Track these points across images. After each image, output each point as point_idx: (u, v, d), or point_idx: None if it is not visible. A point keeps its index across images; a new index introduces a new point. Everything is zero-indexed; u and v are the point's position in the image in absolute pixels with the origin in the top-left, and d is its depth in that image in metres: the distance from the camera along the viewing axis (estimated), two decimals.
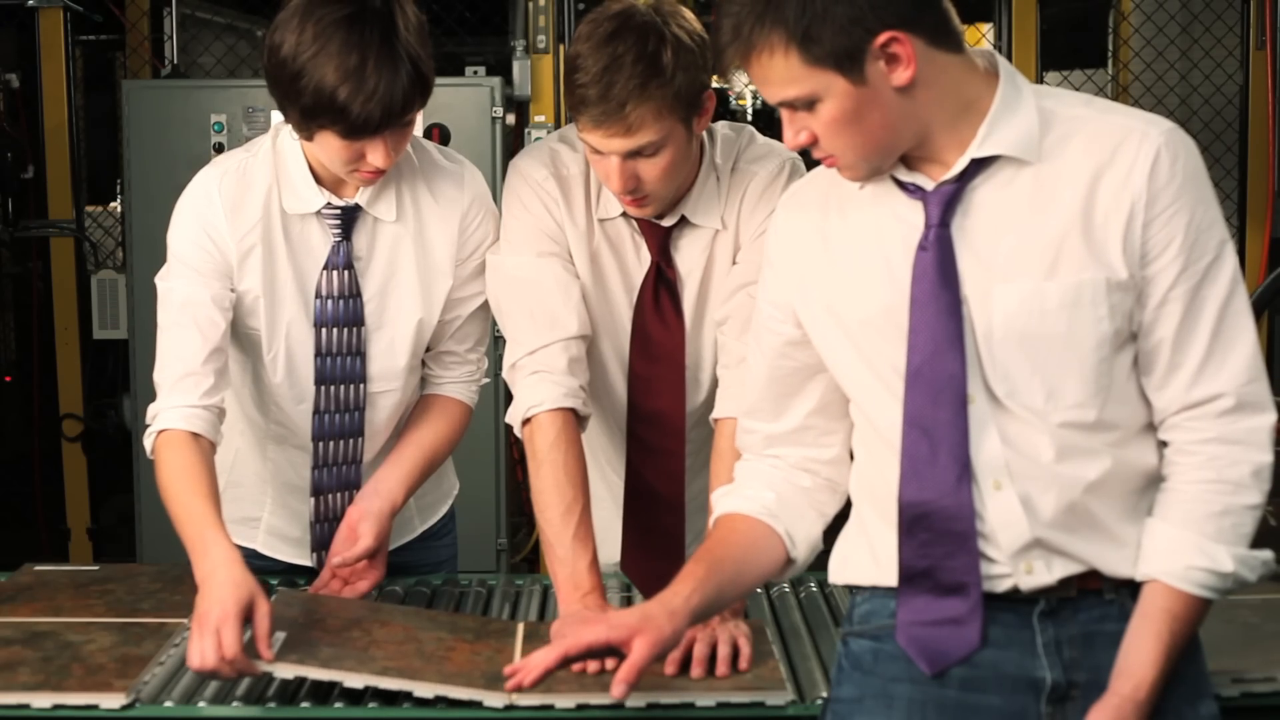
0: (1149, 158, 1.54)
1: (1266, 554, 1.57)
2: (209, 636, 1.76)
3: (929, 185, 1.60)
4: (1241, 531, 1.56)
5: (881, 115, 1.55)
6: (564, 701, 1.79)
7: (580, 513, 2.05)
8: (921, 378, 1.59)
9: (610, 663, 1.84)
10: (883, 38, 1.51)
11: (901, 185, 1.62)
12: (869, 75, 1.52)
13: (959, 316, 1.57)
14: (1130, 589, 1.59)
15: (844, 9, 1.50)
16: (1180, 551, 1.55)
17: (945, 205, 1.59)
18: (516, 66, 4.34)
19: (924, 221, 1.60)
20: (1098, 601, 1.60)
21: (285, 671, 1.80)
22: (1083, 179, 1.56)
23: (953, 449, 1.57)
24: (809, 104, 1.55)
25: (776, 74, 1.55)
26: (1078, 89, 5.02)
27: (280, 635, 1.85)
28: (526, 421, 2.11)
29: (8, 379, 5.36)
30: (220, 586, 1.82)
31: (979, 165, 1.58)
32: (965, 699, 1.61)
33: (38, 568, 2.33)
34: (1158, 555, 1.57)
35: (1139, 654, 1.55)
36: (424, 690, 1.79)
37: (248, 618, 1.80)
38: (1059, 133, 1.58)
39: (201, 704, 1.81)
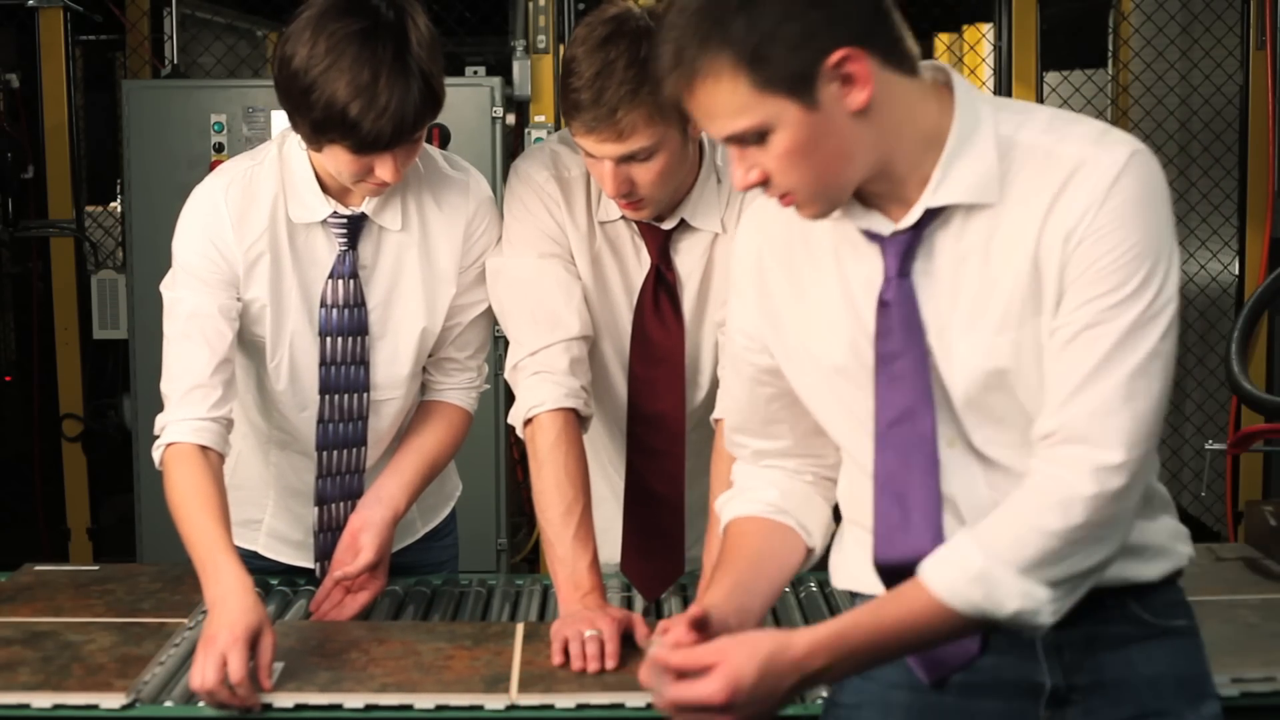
0: (1094, 189, 1.44)
1: (1035, 589, 1.43)
2: (213, 659, 1.76)
3: (886, 229, 1.52)
4: (1023, 553, 1.43)
5: (837, 143, 1.46)
6: (564, 701, 1.79)
7: (581, 513, 2.06)
8: (890, 440, 1.53)
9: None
10: (836, 56, 1.41)
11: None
12: (822, 99, 1.43)
13: (926, 374, 1.51)
14: (1134, 591, 1.57)
15: (795, 25, 1.41)
16: (955, 555, 1.47)
17: (903, 255, 1.51)
18: (516, 66, 4.34)
19: (883, 271, 1.52)
20: (1100, 604, 1.57)
21: (285, 700, 1.79)
22: (1038, 217, 1.46)
23: (926, 513, 1.52)
24: (760, 136, 1.46)
25: (723, 103, 1.45)
26: (1078, 89, 5.03)
27: (279, 666, 1.85)
28: (528, 422, 2.11)
29: (8, 379, 5.36)
30: (231, 612, 1.82)
31: (936, 210, 1.50)
32: (964, 704, 1.59)
33: (38, 568, 2.34)
34: (935, 557, 1.48)
35: (842, 619, 1.48)
36: (424, 702, 1.79)
37: (253, 645, 1.80)
38: (1018, 165, 1.49)
39: (201, 704, 1.80)
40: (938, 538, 1.51)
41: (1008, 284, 1.48)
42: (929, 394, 1.51)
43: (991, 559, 1.44)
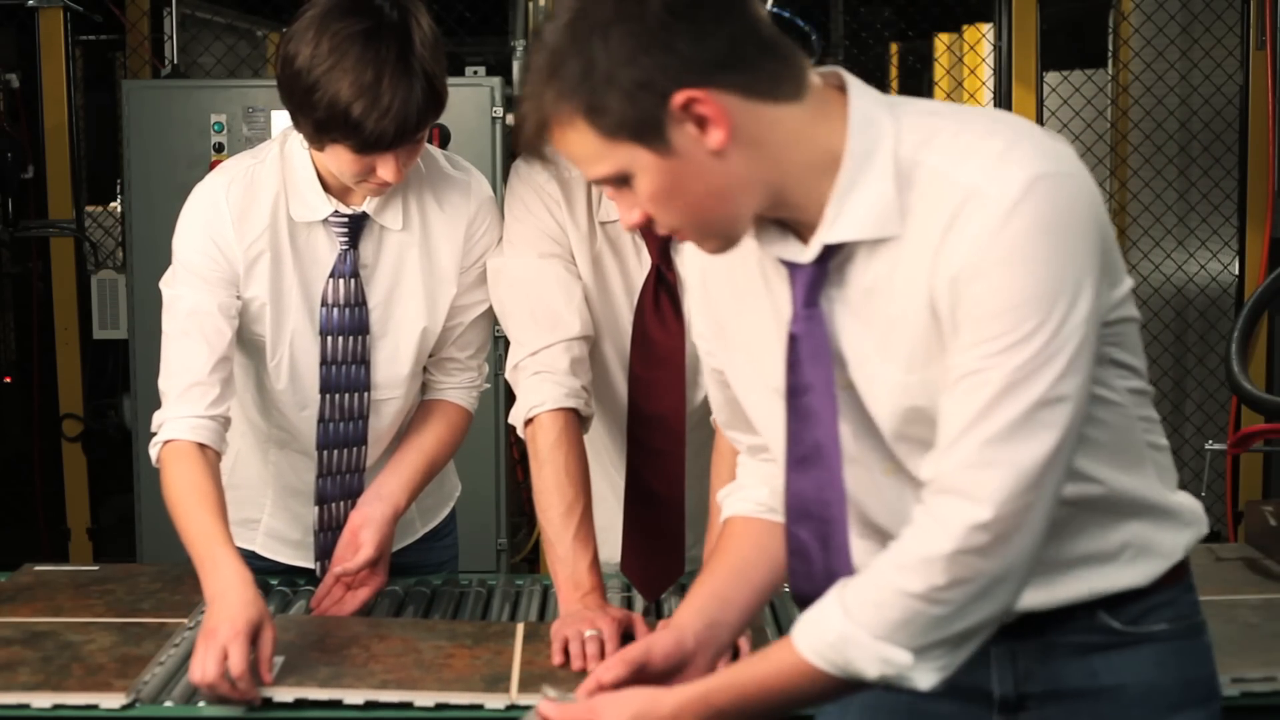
0: (983, 224, 1.32)
1: (895, 654, 1.38)
2: (214, 652, 1.76)
3: (799, 256, 1.42)
4: (882, 616, 1.37)
5: (705, 183, 1.36)
6: None
7: (581, 513, 2.06)
8: (798, 477, 1.49)
9: None
10: (680, 98, 1.32)
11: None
12: (675, 142, 1.34)
13: (834, 410, 1.44)
14: (1104, 600, 1.51)
15: (628, 71, 1.31)
16: (821, 615, 1.43)
17: (809, 287, 1.42)
18: (516, 66, 4.34)
19: (790, 301, 1.44)
20: (1068, 614, 1.51)
21: (285, 695, 1.80)
22: (929, 254, 1.36)
23: (836, 549, 1.49)
24: (625, 179, 1.38)
25: (577, 151, 1.38)
26: (1078, 89, 5.03)
27: (279, 660, 1.86)
28: (529, 422, 2.11)
29: (8, 379, 5.36)
30: (231, 606, 1.82)
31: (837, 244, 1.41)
32: (917, 705, 1.55)
33: (38, 568, 2.33)
34: (806, 615, 1.45)
35: (712, 678, 1.49)
36: (424, 699, 1.79)
37: (254, 639, 1.80)
38: (919, 191, 1.37)
39: (201, 704, 1.81)
40: (848, 572, 1.47)
41: (910, 322, 1.39)
42: (836, 432, 1.44)
43: (851, 622, 1.38)
